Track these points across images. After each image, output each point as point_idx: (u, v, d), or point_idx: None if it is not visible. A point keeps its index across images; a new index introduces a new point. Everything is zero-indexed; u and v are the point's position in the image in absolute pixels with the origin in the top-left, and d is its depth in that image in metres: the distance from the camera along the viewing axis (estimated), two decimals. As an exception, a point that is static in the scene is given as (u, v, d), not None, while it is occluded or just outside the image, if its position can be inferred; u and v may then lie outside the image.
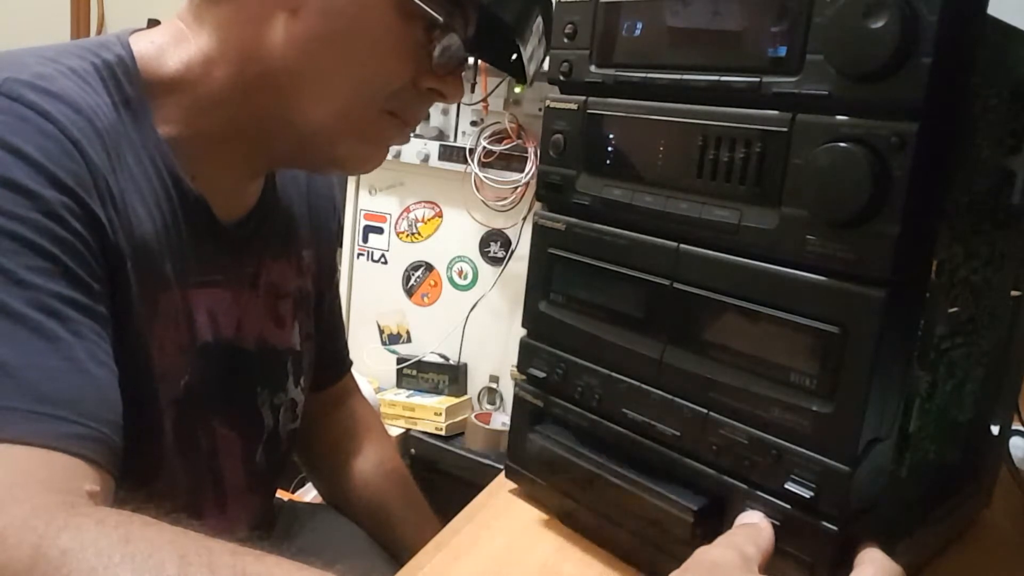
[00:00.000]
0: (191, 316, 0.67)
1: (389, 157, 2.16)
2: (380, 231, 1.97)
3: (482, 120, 1.78)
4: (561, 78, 0.61)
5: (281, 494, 1.13)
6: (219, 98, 0.64)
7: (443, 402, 1.83)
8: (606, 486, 0.58)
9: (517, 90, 1.74)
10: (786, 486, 0.48)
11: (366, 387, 1.50)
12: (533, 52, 0.68)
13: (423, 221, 1.93)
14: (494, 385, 1.89)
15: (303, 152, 0.68)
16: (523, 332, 0.66)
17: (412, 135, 1.96)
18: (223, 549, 0.43)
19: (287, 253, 0.79)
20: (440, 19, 0.62)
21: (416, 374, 1.91)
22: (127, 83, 0.61)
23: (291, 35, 0.61)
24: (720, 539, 0.48)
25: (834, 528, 0.47)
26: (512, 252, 1.82)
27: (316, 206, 0.84)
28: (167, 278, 0.63)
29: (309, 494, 1.56)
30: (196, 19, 0.64)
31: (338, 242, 0.95)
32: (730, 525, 0.51)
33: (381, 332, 1.99)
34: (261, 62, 0.62)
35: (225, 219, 0.69)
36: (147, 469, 0.64)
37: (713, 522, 0.52)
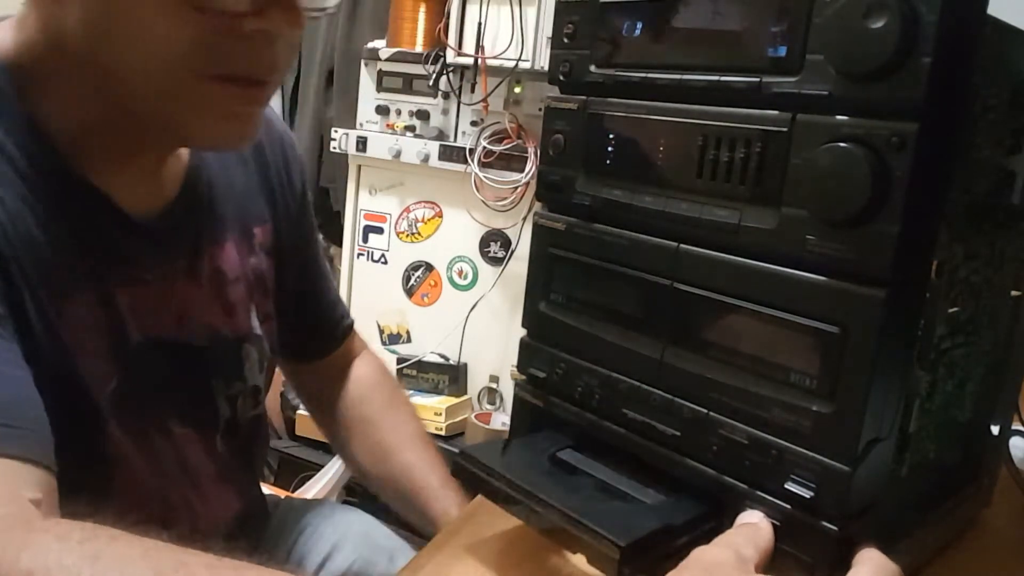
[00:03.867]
0: (113, 318, 0.63)
1: (389, 157, 2.12)
2: (380, 231, 1.97)
3: (482, 120, 1.78)
4: (561, 78, 0.61)
5: (279, 492, 1.13)
6: (70, 87, 0.59)
7: (443, 402, 1.83)
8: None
9: (517, 90, 1.74)
10: (786, 486, 0.48)
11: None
12: None
13: (423, 221, 1.93)
14: (494, 385, 1.89)
15: (164, 135, 0.63)
16: (523, 332, 0.66)
17: (413, 136, 1.96)
18: (199, 562, 0.41)
19: (231, 235, 0.74)
20: None
21: (416, 374, 1.91)
22: None
23: (81, 12, 0.55)
24: (719, 539, 0.48)
25: (834, 528, 0.47)
26: (512, 252, 1.82)
27: (269, 177, 0.79)
28: (74, 282, 0.60)
29: (309, 492, 1.56)
30: (25, 4, 0.58)
31: (309, 209, 0.86)
32: (730, 525, 0.51)
33: (381, 332, 1.99)
34: (69, 46, 0.56)
35: (138, 213, 0.64)
36: (107, 477, 0.62)
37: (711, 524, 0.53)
